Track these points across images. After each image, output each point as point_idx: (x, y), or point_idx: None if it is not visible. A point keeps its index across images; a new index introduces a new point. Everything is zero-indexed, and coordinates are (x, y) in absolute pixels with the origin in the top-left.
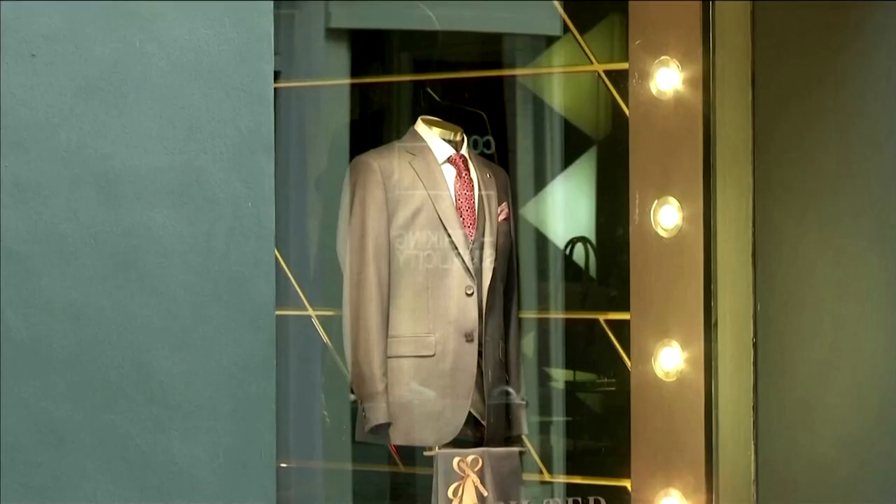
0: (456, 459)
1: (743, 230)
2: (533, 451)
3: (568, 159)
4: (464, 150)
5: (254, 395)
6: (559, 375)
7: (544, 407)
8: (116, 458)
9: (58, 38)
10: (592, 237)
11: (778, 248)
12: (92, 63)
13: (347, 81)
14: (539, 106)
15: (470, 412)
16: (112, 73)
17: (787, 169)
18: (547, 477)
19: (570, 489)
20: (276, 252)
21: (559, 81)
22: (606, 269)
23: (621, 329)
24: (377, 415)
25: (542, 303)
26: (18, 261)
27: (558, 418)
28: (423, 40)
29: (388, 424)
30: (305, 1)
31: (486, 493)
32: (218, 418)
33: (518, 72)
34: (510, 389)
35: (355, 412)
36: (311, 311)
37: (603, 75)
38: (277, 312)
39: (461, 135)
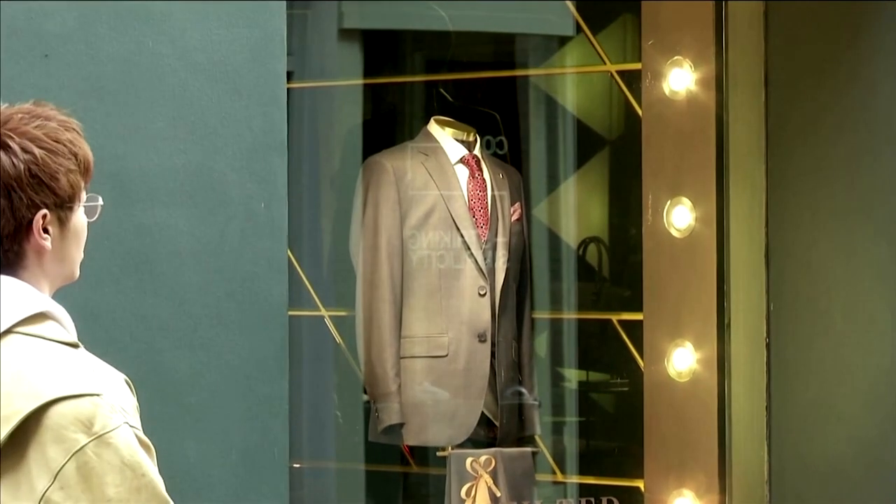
0: (469, 460)
1: (756, 230)
2: (546, 452)
3: (581, 159)
4: (477, 151)
5: (267, 396)
6: (572, 376)
7: (557, 407)
8: None
9: (70, 39)
10: (605, 237)
11: (791, 248)
12: (104, 63)
13: (360, 82)
14: (552, 106)
15: (483, 412)
16: (124, 73)
17: (799, 168)
18: (560, 477)
19: (583, 489)
20: (289, 252)
21: (572, 82)
22: (619, 270)
23: (634, 329)
24: (390, 415)
25: (555, 303)
26: None
27: (571, 419)
28: (436, 41)
29: (401, 425)
30: (318, 1)
31: (499, 494)
32: (231, 418)
33: (531, 72)
34: (523, 390)
35: (368, 412)
36: (323, 312)
37: (616, 75)
38: (290, 313)
39: (474, 135)
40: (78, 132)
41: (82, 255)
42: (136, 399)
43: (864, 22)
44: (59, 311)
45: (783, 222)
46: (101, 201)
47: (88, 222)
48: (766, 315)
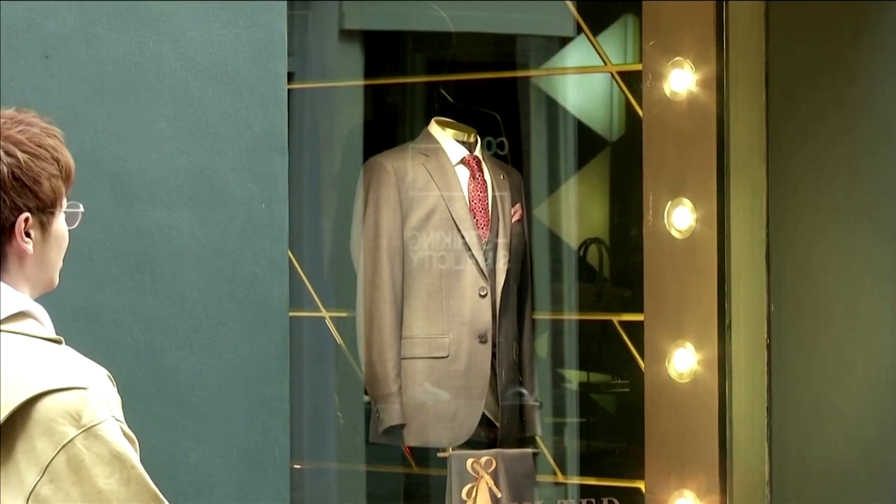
0: (470, 460)
1: (756, 231)
2: (547, 453)
3: (582, 160)
4: (477, 152)
5: (268, 396)
6: (573, 376)
7: (558, 408)
8: None
9: (71, 39)
10: (606, 238)
11: (791, 249)
12: (105, 64)
13: (361, 83)
14: (553, 107)
15: (483, 413)
16: (125, 74)
17: (800, 169)
18: (561, 478)
19: (584, 490)
20: (289, 253)
21: (573, 82)
22: (620, 270)
23: (635, 330)
24: (391, 416)
25: (556, 304)
26: None
27: (572, 419)
28: (437, 41)
29: (401, 425)
30: (319, 1)
31: (499, 495)
32: (232, 419)
33: (532, 73)
34: (524, 390)
35: (369, 413)
36: (324, 313)
37: (616, 76)
38: (291, 313)
39: (475, 136)
40: (59, 139)
41: (61, 263)
42: (117, 393)
43: (864, 22)
44: (38, 309)
45: (784, 223)
46: (81, 208)
47: (70, 229)
48: (767, 316)
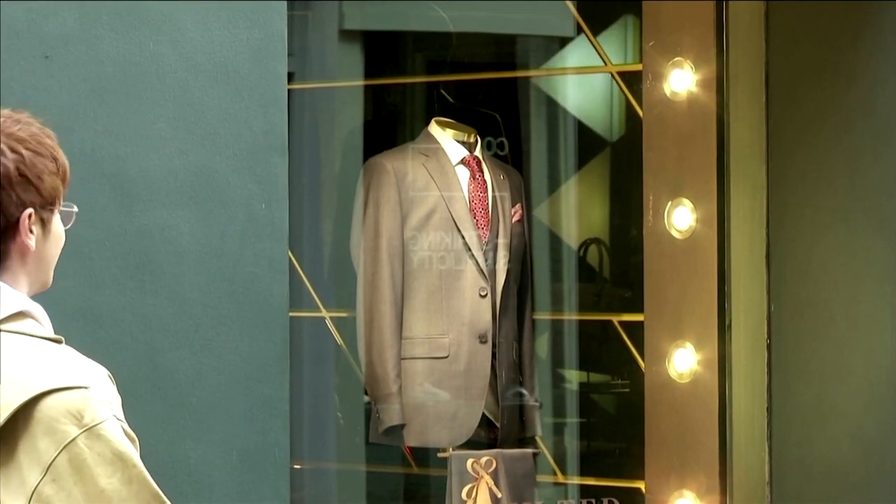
0: (470, 461)
1: (757, 231)
2: (547, 453)
3: (582, 161)
4: (477, 152)
5: (268, 397)
6: (573, 377)
7: (558, 408)
8: None
9: (71, 40)
10: (606, 238)
11: (792, 249)
12: (105, 65)
13: (361, 83)
14: (553, 107)
15: (483, 413)
16: (125, 74)
17: (800, 169)
18: (561, 478)
19: (584, 490)
20: (289, 253)
21: (573, 83)
22: (620, 271)
23: (635, 330)
24: (391, 416)
25: (556, 304)
26: None
27: (572, 420)
28: (437, 42)
29: (401, 426)
30: (319, 2)
31: (499, 495)
32: (232, 419)
33: (532, 73)
34: (524, 391)
35: (369, 413)
36: (324, 313)
37: (616, 77)
38: (291, 314)
39: (475, 136)
40: (54, 140)
41: (55, 263)
42: (117, 392)
43: (864, 22)
44: (37, 309)
45: (784, 223)
46: (76, 209)
47: (65, 230)
48: (767, 316)
